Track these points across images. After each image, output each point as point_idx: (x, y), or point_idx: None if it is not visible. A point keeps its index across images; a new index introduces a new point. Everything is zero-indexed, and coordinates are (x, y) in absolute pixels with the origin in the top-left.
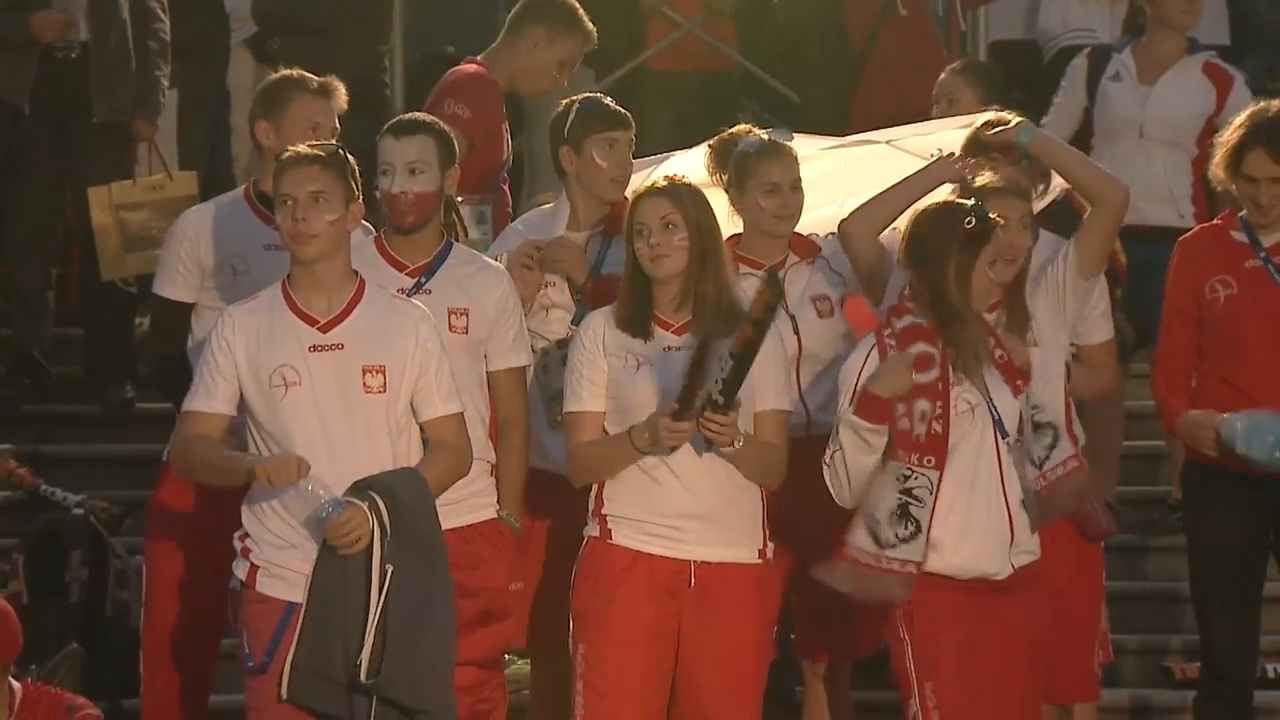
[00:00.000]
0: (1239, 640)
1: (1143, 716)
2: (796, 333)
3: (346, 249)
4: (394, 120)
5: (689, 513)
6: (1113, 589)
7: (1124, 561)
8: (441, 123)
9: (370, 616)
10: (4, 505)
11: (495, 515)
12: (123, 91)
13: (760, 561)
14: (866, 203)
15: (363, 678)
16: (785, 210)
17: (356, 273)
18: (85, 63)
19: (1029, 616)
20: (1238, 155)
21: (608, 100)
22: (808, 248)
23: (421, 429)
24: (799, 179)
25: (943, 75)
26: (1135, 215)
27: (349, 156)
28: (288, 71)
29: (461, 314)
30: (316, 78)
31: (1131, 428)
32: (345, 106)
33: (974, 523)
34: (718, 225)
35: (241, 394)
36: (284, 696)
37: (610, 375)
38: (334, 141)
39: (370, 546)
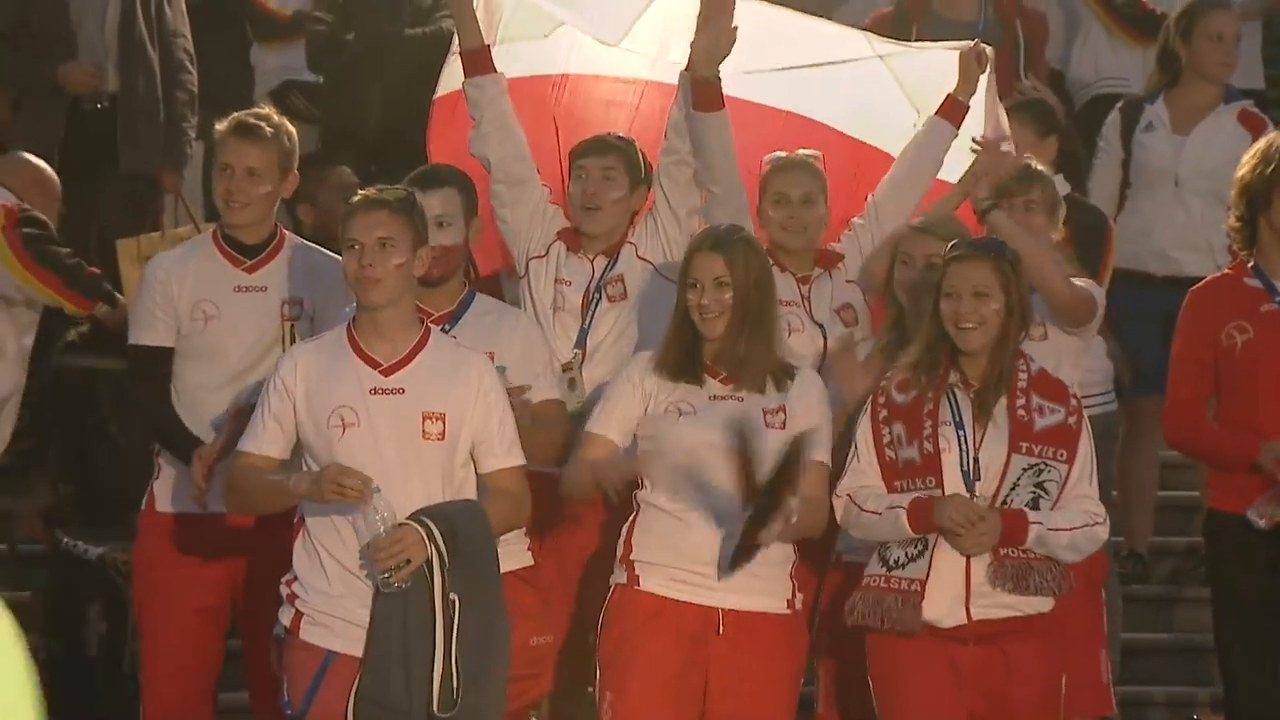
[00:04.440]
0: (1263, 692)
1: None
2: (824, 341)
3: (412, 295)
4: (417, 173)
5: (718, 559)
6: (1141, 641)
7: (1153, 613)
8: (464, 172)
9: (438, 647)
10: (24, 557)
11: (519, 567)
12: (150, 142)
13: (789, 612)
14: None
15: (436, 710)
16: (793, 223)
17: (422, 320)
18: (114, 113)
19: (998, 670)
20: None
21: None
22: (830, 258)
23: (481, 480)
24: (814, 193)
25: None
26: (1172, 266)
27: (418, 202)
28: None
29: (488, 358)
30: (243, 119)
31: (1165, 477)
32: (289, 147)
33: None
34: (769, 280)
35: (299, 433)
36: None
37: (650, 419)
38: (401, 187)
39: (430, 578)
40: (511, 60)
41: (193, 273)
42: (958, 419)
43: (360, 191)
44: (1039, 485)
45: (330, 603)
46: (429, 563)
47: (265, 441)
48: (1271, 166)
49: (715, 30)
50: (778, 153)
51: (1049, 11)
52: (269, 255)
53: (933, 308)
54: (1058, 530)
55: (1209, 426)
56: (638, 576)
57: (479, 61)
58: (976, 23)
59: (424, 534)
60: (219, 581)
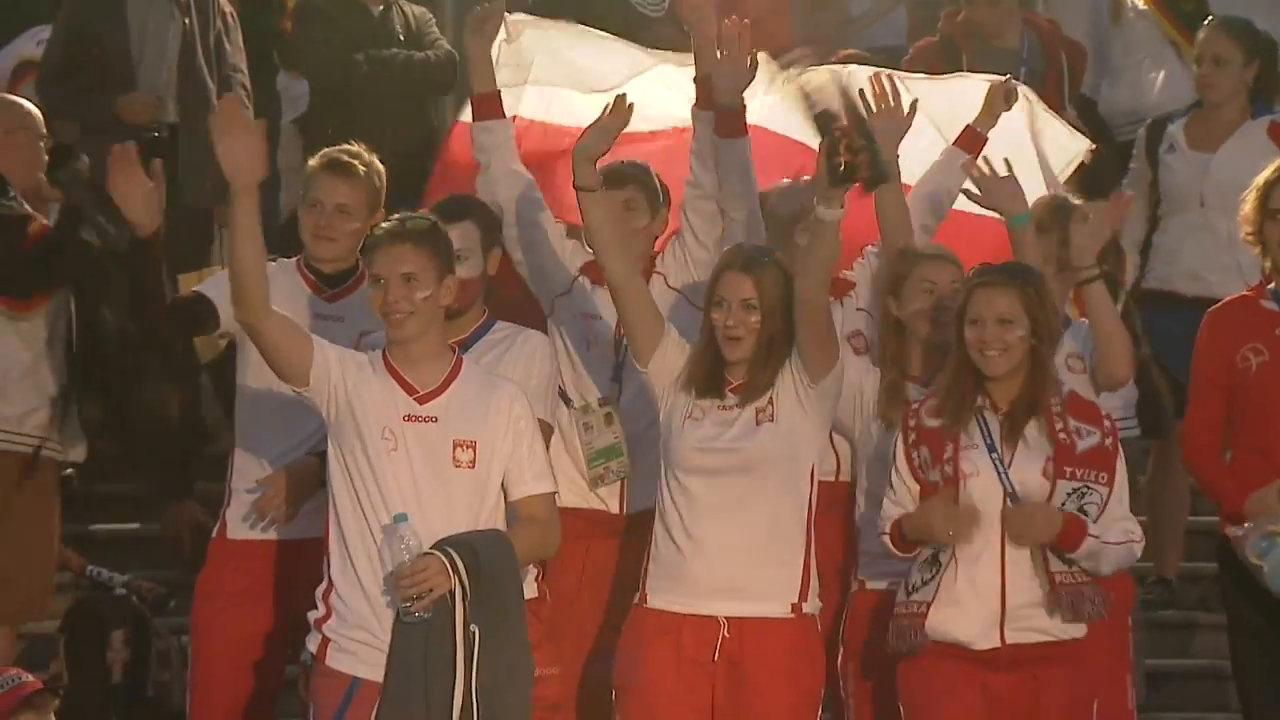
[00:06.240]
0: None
1: None
2: None
3: (442, 323)
4: (435, 205)
5: (719, 582)
6: (1169, 666)
7: (1181, 638)
8: (484, 204)
9: (458, 678)
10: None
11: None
12: (211, 176)
13: (794, 616)
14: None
15: None
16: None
17: (453, 348)
18: (172, 144)
19: (1028, 696)
20: (1266, 194)
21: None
22: (841, 286)
23: (511, 507)
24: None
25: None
26: (1201, 286)
27: (443, 230)
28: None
29: (517, 386)
30: (336, 156)
31: (1195, 503)
32: (379, 185)
33: (958, 586)
34: (793, 304)
35: (340, 447)
36: None
37: (666, 413)
38: (425, 215)
39: (452, 611)
40: (552, 103)
41: (275, 295)
42: (989, 441)
43: (383, 222)
44: (1081, 509)
45: (356, 630)
46: (451, 593)
47: (319, 344)
48: (1261, 200)
49: (734, 60)
50: (783, 180)
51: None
52: (350, 287)
53: (958, 333)
54: (1109, 544)
55: (1216, 461)
56: (647, 594)
57: (490, 106)
58: (1020, 50)
59: (447, 564)
60: (280, 609)
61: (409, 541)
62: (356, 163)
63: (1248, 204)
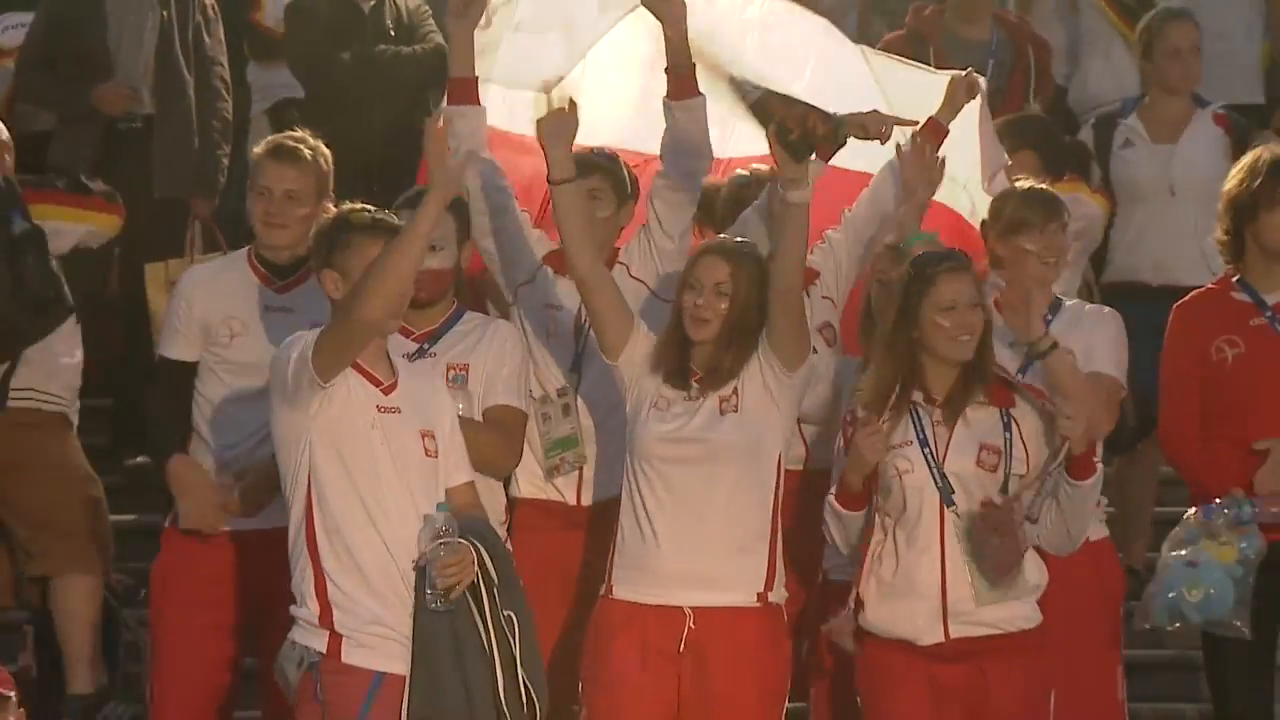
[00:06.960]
0: (1253, 708)
1: None
2: None
3: None
4: (412, 193)
5: (684, 572)
6: (1135, 657)
7: (1149, 629)
8: (461, 196)
9: (499, 665)
10: (17, 578)
11: None
12: (184, 168)
13: (759, 605)
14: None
15: None
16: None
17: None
18: (147, 135)
19: (977, 688)
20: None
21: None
22: (806, 275)
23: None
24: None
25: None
26: (1167, 275)
27: None
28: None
29: (461, 369)
30: (281, 141)
31: (1162, 494)
32: (326, 170)
33: (900, 582)
34: (766, 299)
35: (327, 442)
36: None
37: (633, 404)
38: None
39: (473, 600)
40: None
41: (223, 289)
42: (921, 436)
43: (353, 213)
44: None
45: (371, 624)
46: (473, 582)
47: None
48: (1259, 181)
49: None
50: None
51: (1051, 30)
52: (300, 278)
53: (904, 325)
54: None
55: (1199, 451)
56: (612, 585)
57: (466, 91)
58: (989, 42)
59: (473, 553)
60: (239, 600)
61: (441, 526)
62: (302, 148)
63: (1238, 183)
